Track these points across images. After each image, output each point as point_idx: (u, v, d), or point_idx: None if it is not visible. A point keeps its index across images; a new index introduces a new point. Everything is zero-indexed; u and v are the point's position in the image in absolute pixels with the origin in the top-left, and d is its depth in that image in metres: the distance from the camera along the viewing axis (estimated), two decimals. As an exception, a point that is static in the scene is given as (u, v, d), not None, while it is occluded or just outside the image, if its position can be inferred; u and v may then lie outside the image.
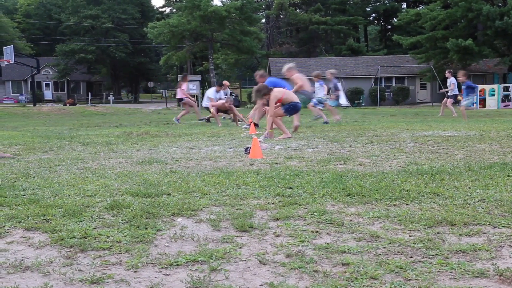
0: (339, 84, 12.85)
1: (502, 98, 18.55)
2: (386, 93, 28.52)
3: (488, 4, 22.60)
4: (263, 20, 42.61)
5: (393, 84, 30.86)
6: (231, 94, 18.74)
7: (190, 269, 1.83)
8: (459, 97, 12.91)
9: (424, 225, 2.29)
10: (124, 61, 44.62)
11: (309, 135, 7.47)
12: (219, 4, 34.44)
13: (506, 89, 19.22)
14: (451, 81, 13.14)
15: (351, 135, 7.16)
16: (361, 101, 28.47)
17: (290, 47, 39.78)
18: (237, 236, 2.24)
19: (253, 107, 10.87)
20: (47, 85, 45.14)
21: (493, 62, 26.59)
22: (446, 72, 14.01)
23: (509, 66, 24.13)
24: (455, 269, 1.75)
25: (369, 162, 4.45)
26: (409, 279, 1.65)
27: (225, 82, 14.23)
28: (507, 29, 21.66)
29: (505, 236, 2.10)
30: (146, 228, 2.32)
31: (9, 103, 34.38)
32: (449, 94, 13.35)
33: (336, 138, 6.67)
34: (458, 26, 25.29)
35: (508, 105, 18.98)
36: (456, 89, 13.18)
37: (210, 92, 12.74)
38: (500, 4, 23.65)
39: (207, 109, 12.08)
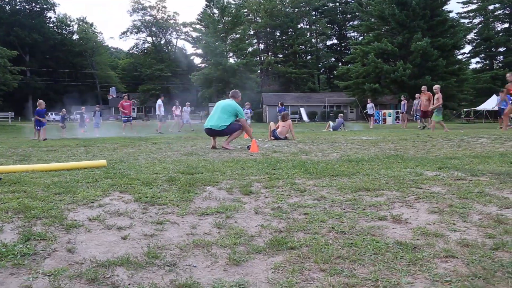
0: (302, 109, 20.34)
1: (395, 118, 28.62)
2: (331, 114, 40.21)
3: (386, 64, 34.77)
4: (259, 71, 60.68)
5: (334, 108, 43.97)
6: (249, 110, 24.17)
7: (214, 216, 2.31)
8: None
9: (352, 191, 2.91)
10: (177, 95, 62.53)
11: (285, 140, 9.26)
12: (232, 61, 50.71)
13: (397, 113, 29.22)
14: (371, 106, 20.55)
15: (310, 139, 8.94)
16: (315, 118, 42.44)
17: (275, 87, 57.96)
18: (242, 198, 2.80)
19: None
20: (133, 109, 57.59)
21: (390, 97, 38.14)
22: (368, 100, 21.58)
23: (398, 100, 33.71)
24: (368, 215, 2.27)
25: (321, 154, 5.51)
26: (342, 222, 2.16)
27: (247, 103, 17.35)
28: (396, 79, 33.34)
29: (396, 196, 2.74)
30: (188, 192, 2.92)
31: (111, 120, 43.26)
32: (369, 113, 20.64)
33: (301, 141, 8.41)
34: (370, 76, 36.30)
35: (398, 122, 28.46)
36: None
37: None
38: (392, 65, 34.84)
39: None
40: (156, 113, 16.49)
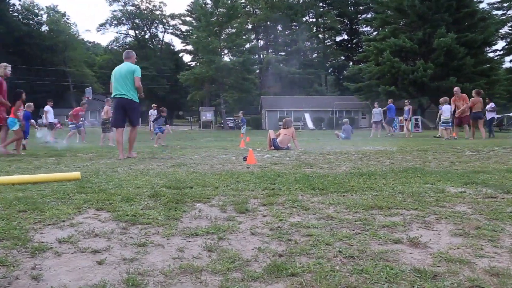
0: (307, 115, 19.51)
1: (414, 125, 27.46)
2: (339, 121, 37.97)
3: (404, 64, 34.58)
4: (257, 71, 61.11)
5: (344, 114, 43.93)
6: (242, 120, 24.91)
7: (205, 238, 2.33)
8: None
9: (362, 209, 2.93)
10: (163, 97, 64.91)
11: (287, 150, 9.27)
12: (227, 59, 51.47)
13: (416, 119, 28.66)
14: (378, 111, 19.87)
15: (316, 149, 9.05)
16: (322, 125, 42.64)
17: (275, 89, 58.25)
18: (237, 216, 2.83)
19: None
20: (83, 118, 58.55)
21: (409, 101, 35.84)
22: (375, 105, 20.97)
23: (418, 104, 34.44)
24: (381, 238, 2.27)
25: (327, 167, 5.58)
26: (351, 245, 2.15)
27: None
28: (416, 80, 33.09)
29: (414, 216, 2.76)
30: (175, 210, 2.94)
31: (87, 126, 42.17)
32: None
33: (305, 151, 8.50)
34: (386, 77, 35.88)
35: (418, 130, 28.42)
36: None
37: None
38: (411, 64, 34.89)
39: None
40: (44, 121, 16.15)
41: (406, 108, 19.53)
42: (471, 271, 1.84)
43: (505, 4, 48.57)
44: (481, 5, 38.57)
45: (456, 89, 15.11)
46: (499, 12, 47.52)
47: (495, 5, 48.60)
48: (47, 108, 16.38)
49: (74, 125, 15.83)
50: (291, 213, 2.87)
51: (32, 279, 1.80)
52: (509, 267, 1.89)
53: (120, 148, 7.51)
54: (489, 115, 16.55)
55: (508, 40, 48.69)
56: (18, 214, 2.89)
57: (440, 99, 15.60)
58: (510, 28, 47.83)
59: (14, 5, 69.61)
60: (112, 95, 7.58)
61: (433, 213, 2.86)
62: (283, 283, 1.72)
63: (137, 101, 7.52)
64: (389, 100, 20.73)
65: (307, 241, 2.25)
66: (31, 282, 1.77)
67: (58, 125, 18.41)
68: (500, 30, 43.14)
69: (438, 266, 1.90)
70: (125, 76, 7.42)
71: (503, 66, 43.95)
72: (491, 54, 42.75)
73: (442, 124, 15.19)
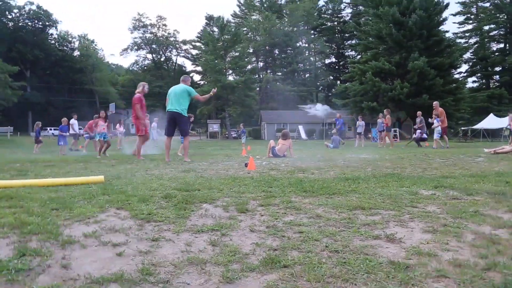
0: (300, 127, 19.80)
1: (393, 136, 27.81)
2: (329, 132, 39.99)
3: (384, 83, 35.19)
4: (258, 88, 62.08)
5: (333, 127, 46.01)
6: (242, 131, 25.35)
7: (210, 234, 2.34)
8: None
9: (347, 209, 2.94)
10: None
11: (283, 158, 9.32)
12: (232, 79, 52.17)
13: (395, 131, 29.33)
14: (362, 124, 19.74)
15: (308, 157, 9.01)
16: (314, 136, 43.21)
17: (273, 104, 58.96)
18: (238, 215, 2.83)
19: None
20: (132, 125, 59.42)
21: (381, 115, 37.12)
22: (359, 118, 20.93)
23: (396, 118, 35.08)
24: (363, 234, 2.30)
25: (317, 172, 5.51)
26: (337, 240, 2.19)
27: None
28: (394, 97, 33.62)
29: (391, 215, 2.77)
30: (185, 210, 2.95)
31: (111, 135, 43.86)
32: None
33: (299, 158, 8.48)
34: (368, 95, 36.41)
35: (396, 140, 28.12)
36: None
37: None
38: (390, 84, 35.30)
39: None
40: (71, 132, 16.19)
41: (379, 120, 19.25)
42: (438, 263, 1.85)
43: (467, 34, 51.03)
44: (447, 34, 39.76)
45: (435, 103, 14.92)
46: (462, 41, 49.10)
47: (459, 35, 50.74)
48: (72, 121, 16.68)
49: (88, 135, 16.01)
50: (285, 213, 2.87)
51: (62, 268, 1.81)
52: (470, 259, 1.89)
53: (167, 152, 8.01)
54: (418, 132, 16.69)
55: (470, 64, 50.50)
56: (51, 212, 2.90)
57: (435, 112, 14.69)
58: (471, 54, 49.29)
59: (52, 34, 70.89)
60: (167, 109, 7.98)
61: (408, 212, 2.87)
62: (277, 274, 1.73)
63: (185, 115, 7.98)
64: (380, 115, 20.49)
65: (298, 237, 2.26)
66: (61, 270, 1.79)
67: (83, 135, 18.45)
68: (464, 56, 44.34)
69: (410, 259, 1.90)
70: (180, 95, 7.86)
71: (467, 86, 45.74)
72: (456, 76, 43.82)
73: (438, 135, 14.59)
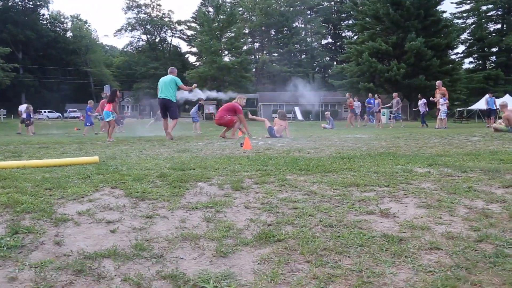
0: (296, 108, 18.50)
1: (389, 117, 27.47)
2: (325, 113, 37.16)
3: (380, 64, 34.83)
4: (254, 69, 61.25)
5: (329, 108, 44.42)
6: None
7: (204, 211, 2.35)
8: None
9: (342, 186, 2.95)
10: None
11: (279, 138, 9.31)
12: (227, 60, 50.68)
13: (391, 112, 28.65)
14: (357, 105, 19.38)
15: (303, 137, 9.01)
16: (310, 117, 42.34)
17: (269, 86, 57.38)
18: (233, 193, 2.82)
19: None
20: (128, 107, 63.01)
21: (384, 97, 39.43)
22: (355, 98, 20.17)
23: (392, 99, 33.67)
24: (357, 210, 2.31)
25: (313, 152, 5.51)
26: (331, 216, 2.19)
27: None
28: (390, 78, 33.36)
29: (386, 192, 2.78)
30: (179, 188, 2.94)
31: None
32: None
33: (295, 138, 8.44)
34: (365, 76, 36.13)
35: (390, 121, 28.66)
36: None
37: None
38: (387, 65, 34.79)
39: None
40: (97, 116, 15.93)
41: (376, 101, 19.23)
42: (431, 235, 1.86)
43: (464, 14, 50.40)
44: (445, 15, 39.32)
45: (438, 82, 14.72)
46: (460, 21, 48.65)
47: (456, 15, 50.01)
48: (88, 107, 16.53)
49: (101, 116, 15.76)
50: (280, 190, 2.87)
51: (55, 244, 1.81)
52: (462, 232, 1.91)
53: (166, 131, 8.92)
54: (421, 109, 17.13)
55: (467, 44, 50.04)
56: (45, 191, 2.88)
57: (440, 91, 14.14)
58: (468, 34, 48.96)
59: (43, 14, 69.46)
60: (158, 97, 8.94)
61: (402, 189, 2.88)
62: (270, 248, 1.73)
63: (174, 101, 8.90)
64: (369, 95, 20.65)
65: (293, 213, 2.26)
66: (54, 246, 1.79)
67: (81, 117, 18.33)
68: (461, 36, 44.02)
69: (403, 232, 1.91)
70: (169, 84, 8.88)
71: (463, 66, 45.37)
72: (453, 56, 43.66)
73: (444, 114, 14.22)
